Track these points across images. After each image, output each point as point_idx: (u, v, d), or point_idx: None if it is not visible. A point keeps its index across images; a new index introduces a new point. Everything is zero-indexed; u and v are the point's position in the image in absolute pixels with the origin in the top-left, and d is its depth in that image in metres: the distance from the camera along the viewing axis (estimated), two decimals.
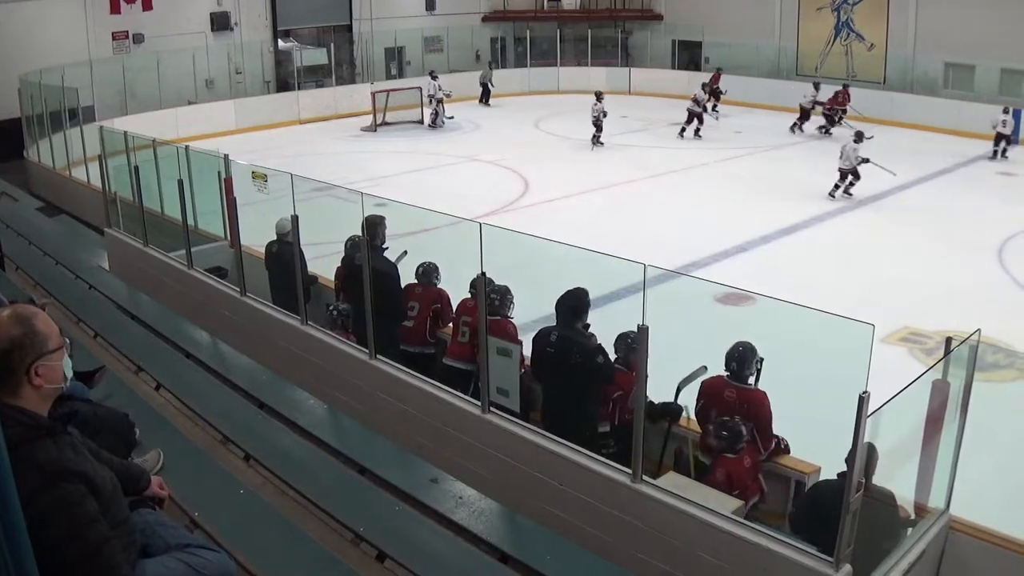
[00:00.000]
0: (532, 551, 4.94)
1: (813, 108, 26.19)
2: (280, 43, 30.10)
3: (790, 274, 13.43)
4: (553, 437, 6.01)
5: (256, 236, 9.39)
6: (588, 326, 6.50)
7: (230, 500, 4.99)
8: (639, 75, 34.33)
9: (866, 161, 18.52)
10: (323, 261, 9.48)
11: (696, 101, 25.18)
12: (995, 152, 23.30)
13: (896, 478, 5.32)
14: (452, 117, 27.67)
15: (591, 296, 6.50)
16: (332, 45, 30.26)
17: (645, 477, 5.53)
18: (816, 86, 26.53)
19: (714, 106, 27.93)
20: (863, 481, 4.63)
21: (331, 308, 8.21)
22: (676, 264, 12.54)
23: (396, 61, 32.86)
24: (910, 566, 5.16)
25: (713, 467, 5.80)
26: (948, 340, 5.25)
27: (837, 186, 18.76)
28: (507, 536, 5.17)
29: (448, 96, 27.18)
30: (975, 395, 5.45)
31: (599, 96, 23.54)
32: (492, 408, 6.36)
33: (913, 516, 5.59)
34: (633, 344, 6.10)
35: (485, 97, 31.46)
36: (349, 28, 31.71)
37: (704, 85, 26.61)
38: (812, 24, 31.49)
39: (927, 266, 14.46)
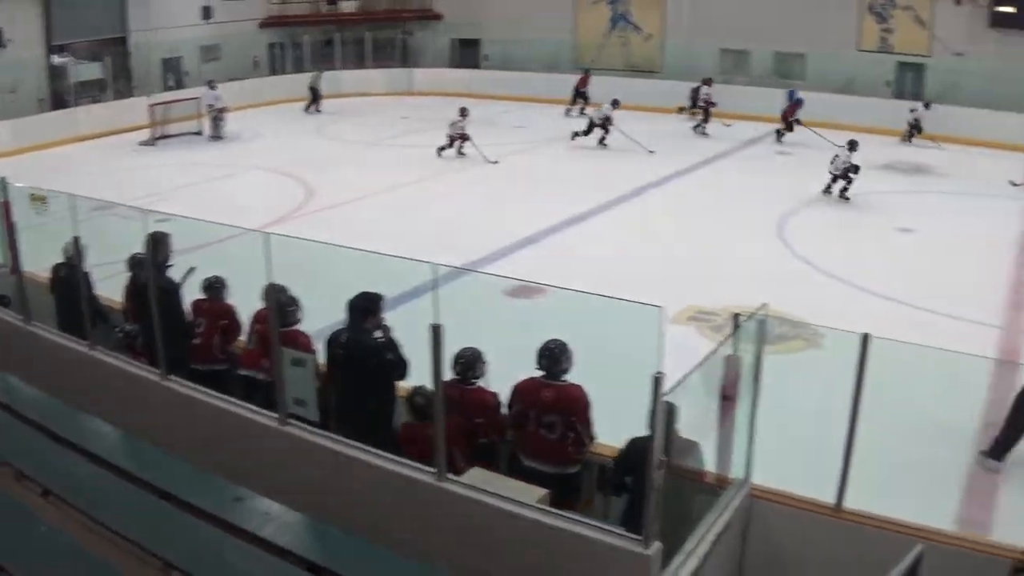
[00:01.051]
0: (342, 559, 4.93)
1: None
2: (55, 58, 28.62)
3: (580, 263, 13.88)
4: (351, 443, 6.01)
5: (39, 261, 9.00)
6: (388, 328, 6.55)
7: (30, 539, 4.80)
8: (420, 75, 34.66)
9: (856, 169, 18.94)
10: (110, 282, 9.12)
11: (600, 117, 24.43)
12: (779, 133, 24.89)
13: (695, 453, 5.58)
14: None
15: (386, 298, 6.55)
16: (108, 58, 29.08)
17: (449, 475, 5.59)
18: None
19: (582, 109, 28.43)
20: (664, 459, 4.83)
21: (118, 330, 7.94)
22: (465, 261, 12.75)
23: (174, 72, 31.86)
24: (717, 536, 5.45)
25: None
26: (736, 316, 5.55)
27: (829, 188, 19.32)
28: (316, 547, 5.15)
29: (224, 109, 26.46)
30: (766, 366, 5.78)
31: (463, 112, 22.96)
32: (290, 419, 6.29)
33: (717, 488, 5.88)
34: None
35: (315, 102, 30.83)
36: (125, 40, 30.55)
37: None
38: (588, 17, 32.48)
39: (711, 245, 15.27)
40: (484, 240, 15.31)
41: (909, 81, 28.62)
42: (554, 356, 6.18)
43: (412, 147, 24.41)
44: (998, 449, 8.87)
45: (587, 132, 23.97)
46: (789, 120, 25.34)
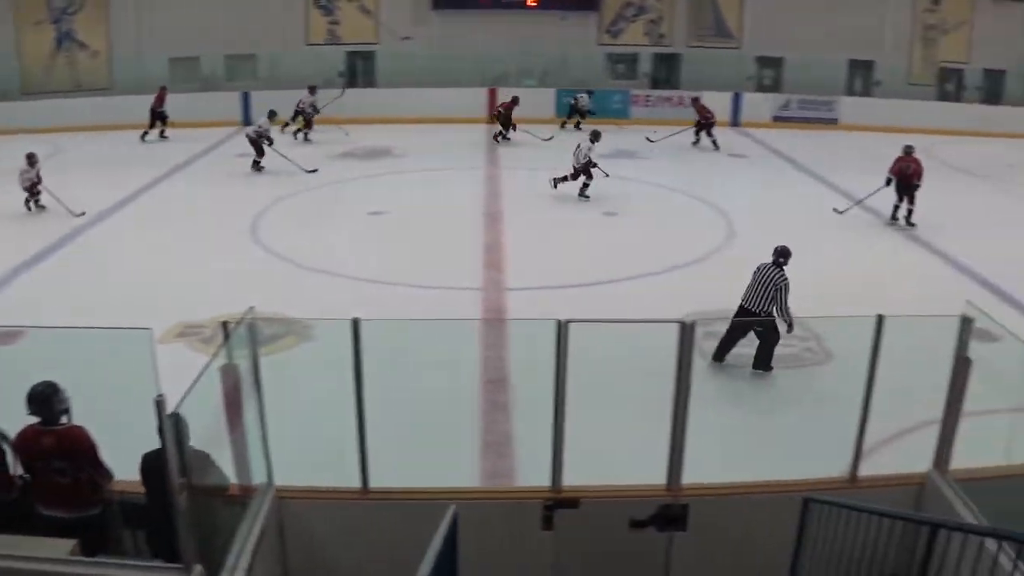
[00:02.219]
0: None
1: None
2: None
3: (52, 300, 12.98)
4: None
5: None
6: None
7: None
8: None
9: (594, 165, 19.40)
10: None
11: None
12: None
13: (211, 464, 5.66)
14: None
15: None
16: None
17: None
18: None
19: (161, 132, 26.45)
20: (186, 480, 4.89)
21: None
22: None
23: None
24: (256, 546, 5.60)
25: None
26: (224, 324, 5.69)
27: (566, 179, 19.64)
28: None
29: None
30: (269, 368, 6.00)
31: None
32: None
33: (244, 498, 6.02)
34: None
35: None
36: None
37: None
38: (31, 39, 30.42)
39: (187, 258, 15.15)
40: None
41: (361, 69, 30.26)
42: (45, 400, 5.85)
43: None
44: None
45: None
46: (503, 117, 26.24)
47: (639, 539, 6.40)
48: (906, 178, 18.42)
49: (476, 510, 5.99)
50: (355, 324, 5.72)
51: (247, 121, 26.99)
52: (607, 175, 19.71)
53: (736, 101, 30.23)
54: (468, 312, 12.80)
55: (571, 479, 6.32)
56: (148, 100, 26.51)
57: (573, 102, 28.86)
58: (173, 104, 26.46)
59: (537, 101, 28.78)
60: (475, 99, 28.98)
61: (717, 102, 28.69)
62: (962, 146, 28.44)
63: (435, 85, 28.48)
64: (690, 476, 6.41)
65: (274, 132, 22.47)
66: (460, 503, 5.44)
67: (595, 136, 20.01)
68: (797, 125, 29.55)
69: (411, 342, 8.99)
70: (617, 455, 7.87)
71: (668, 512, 6.38)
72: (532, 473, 6.84)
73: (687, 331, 5.97)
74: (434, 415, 9.50)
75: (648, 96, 30.48)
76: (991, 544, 5.13)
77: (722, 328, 11.64)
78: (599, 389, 8.88)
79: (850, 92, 31.96)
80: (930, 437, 6.77)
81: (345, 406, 5.98)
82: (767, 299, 11.17)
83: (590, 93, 29.24)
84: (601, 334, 6.13)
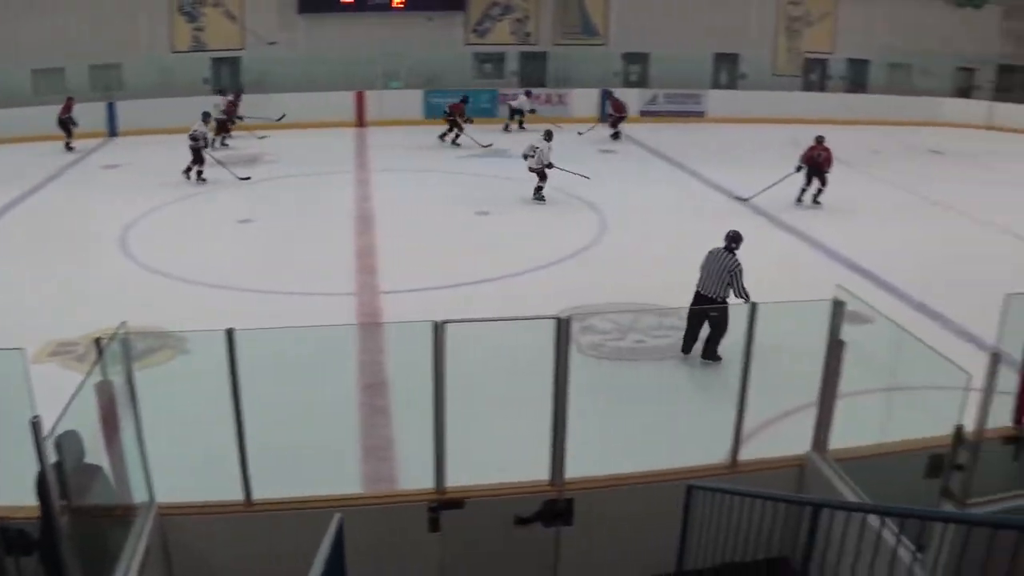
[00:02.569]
0: None
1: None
2: None
3: None
4: None
5: None
6: None
7: None
8: None
9: (550, 166, 19.71)
10: None
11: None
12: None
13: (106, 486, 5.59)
14: None
15: None
16: None
17: None
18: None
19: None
20: (65, 502, 4.81)
21: None
22: None
23: None
24: (141, 566, 5.52)
25: None
26: (97, 341, 5.61)
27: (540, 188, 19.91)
28: None
29: None
30: (145, 383, 5.93)
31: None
32: None
33: (127, 517, 5.93)
34: None
35: None
36: None
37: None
38: None
39: (57, 274, 14.75)
40: None
41: (227, 75, 29.81)
42: None
43: None
44: None
45: None
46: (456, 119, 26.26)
47: (526, 536, 6.51)
48: (817, 165, 19.94)
49: (361, 516, 6.03)
50: (229, 335, 5.70)
51: (113, 132, 26.40)
52: (587, 178, 20.59)
53: (603, 97, 30.64)
54: (343, 317, 12.77)
55: (455, 480, 6.39)
56: (10, 113, 25.88)
57: (512, 104, 29.29)
58: (37, 117, 25.74)
59: (405, 103, 28.90)
60: (343, 103, 28.85)
61: (585, 99, 29.18)
62: (828, 134, 29.45)
63: (303, 90, 28.26)
64: (574, 470, 6.54)
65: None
66: (345, 510, 5.42)
67: (549, 135, 20.38)
68: (665, 119, 30.25)
69: (287, 350, 8.96)
70: (500, 453, 7.97)
71: (553, 507, 6.50)
72: (416, 476, 6.89)
73: (563, 327, 6.08)
74: (314, 423, 9.47)
75: (516, 95, 30.73)
76: (874, 520, 5.33)
77: (599, 323, 11.90)
78: (479, 388, 9.01)
79: (716, 85, 32.89)
80: (809, 419, 7.02)
81: (224, 418, 5.95)
82: (722, 284, 11.45)
83: (528, 93, 29.70)
84: (479, 333, 6.21)
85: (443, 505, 6.34)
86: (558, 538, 6.61)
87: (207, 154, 21.50)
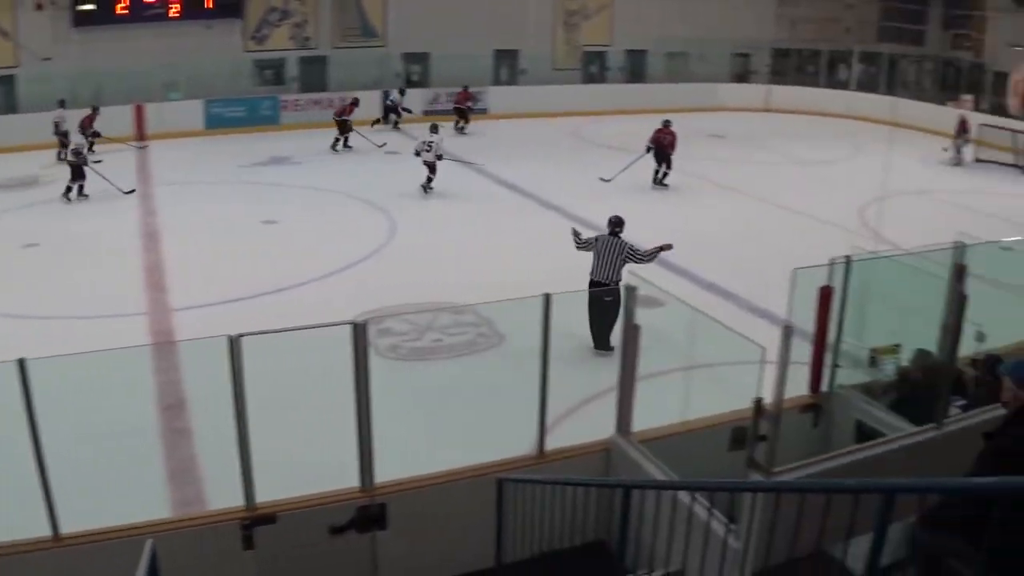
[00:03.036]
0: None
1: None
2: None
3: None
4: None
5: None
6: None
7: None
8: None
9: (440, 158, 20.96)
10: None
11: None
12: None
13: None
14: None
15: None
16: None
17: None
18: None
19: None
20: None
21: None
22: None
23: None
24: None
25: None
26: None
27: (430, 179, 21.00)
28: None
29: None
30: None
31: None
32: None
33: None
34: None
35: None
36: None
37: None
38: None
39: None
40: None
41: (2, 94, 28.17)
42: None
43: None
44: None
45: None
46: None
47: (342, 545, 6.57)
48: (662, 147, 21.73)
49: (174, 541, 5.98)
50: (21, 365, 5.56)
51: None
52: (476, 164, 21.95)
53: (385, 99, 30.69)
54: (136, 338, 12.44)
55: (266, 495, 6.39)
56: None
57: (389, 102, 29.74)
58: None
59: (186, 115, 28.20)
60: (122, 117, 27.77)
61: (367, 101, 29.19)
62: (608, 125, 30.48)
63: (80, 106, 27.05)
64: (385, 474, 6.64)
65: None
66: (156, 536, 5.37)
67: (435, 128, 21.50)
68: (448, 118, 30.53)
69: (81, 377, 8.71)
70: (310, 464, 8.02)
71: (366, 513, 6.58)
72: (225, 494, 6.81)
73: (359, 331, 6.17)
74: (117, 449, 9.25)
75: (298, 100, 30.45)
76: (684, 497, 5.59)
77: (396, 324, 12.02)
78: (282, 400, 9.03)
79: (497, 82, 33.33)
80: (612, 404, 7.26)
81: (24, 452, 5.79)
82: (615, 268, 11.94)
83: (401, 92, 30.32)
84: (276, 344, 6.22)
85: (255, 521, 6.33)
86: (374, 544, 6.69)
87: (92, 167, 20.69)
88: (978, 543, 3.81)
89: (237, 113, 28.83)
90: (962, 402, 7.61)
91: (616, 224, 12.33)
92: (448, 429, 9.88)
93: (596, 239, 12.31)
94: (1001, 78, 34.56)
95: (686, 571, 5.59)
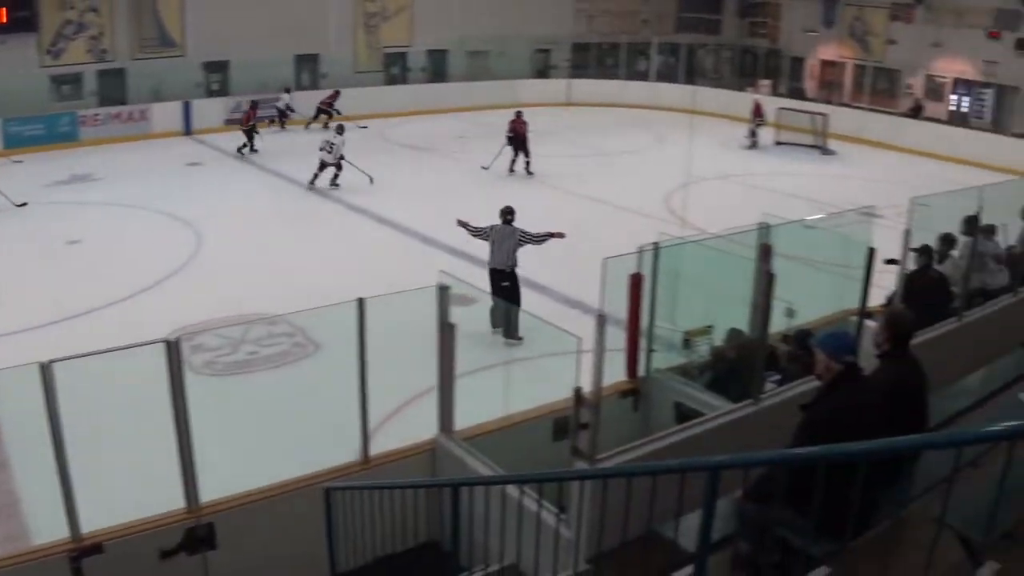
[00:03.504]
0: None
1: None
2: None
3: None
4: None
5: None
6: None
7: None
8: None
9: (342, 157, 21.40)
10: None
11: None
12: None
13: None
14: None
15: None
16: None
17: None
18: None
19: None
20: None
21: None
22: None
23: None
24: None
25: None
26: None
27: (316, 175, 21.59)
28: None
29: None
30: None
31: None
32: None
33: None
34: None
35: None
36: None
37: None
38: None
39: None
40: None
41: None
42: None
43: None
44: None
45: None
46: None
47: (174, 568, 6.38)
48: (520, 136, 23.14)
49: None
50: None
51: None
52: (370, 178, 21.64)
53: (187, 109, 29.87)
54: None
55: (92, 524, 6.14)
56: None
57: (283, 106, 30.28)
58: None
59: None
60: None
61: (169, 113, 28.36)
62: (413, 125, 30.49)
63: None
64: (212, 493, 6.49)
65: None
66: None
67: (341, 130, 21.97)
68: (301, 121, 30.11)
69: None
70: (135, 488, 7.73)
71: (194, 534, 6.41)
72: (49, 527, 6.50)
73: (173, 349, 6.00)
74: None
75: (97, 115, 29.12)
76: (513, 491, 5.58)
77: (209, 339, 11.73)
78: (101, 425, 8.76)
79: (299, 87, 32.79)
80: (434, 404, 7.26)
81: None
82: (510, 253, 12.42)
83: (288, 90, 30.62)
84: (91, 368, 5.95)
85: (83, 553, 6.08)
86: (206, 564, 6.52)
87: None
88: (805, 511, 3.98)
89: (36, 131, 27.38)
90: (777, 377, 7.95)
91: (508, 213, 12.77)
92: (272, 442, 9.69)
93: (491, 228, 12.70)
94: (797, 63, 36.51)
95: (520, 564, 5.64)
